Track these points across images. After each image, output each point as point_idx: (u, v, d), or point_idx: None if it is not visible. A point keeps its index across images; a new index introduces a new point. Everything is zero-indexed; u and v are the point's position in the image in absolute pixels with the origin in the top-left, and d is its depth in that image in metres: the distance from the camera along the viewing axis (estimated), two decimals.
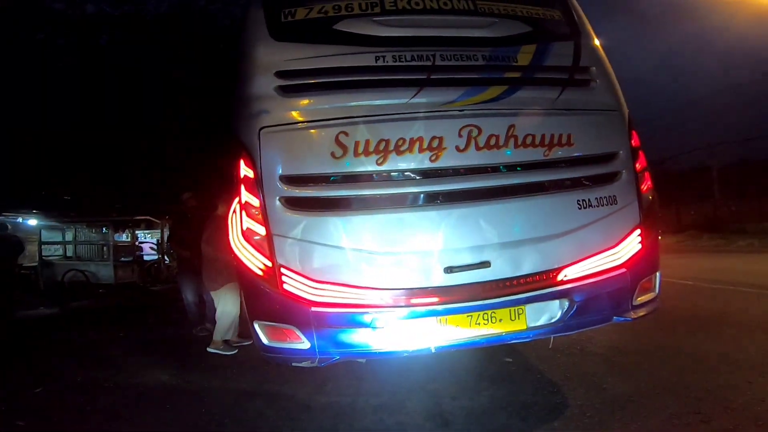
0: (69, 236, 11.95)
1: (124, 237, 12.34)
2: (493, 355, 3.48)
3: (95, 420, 2.93)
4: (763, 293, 5.42)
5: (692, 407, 2.46)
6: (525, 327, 2.25)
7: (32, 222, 12.01)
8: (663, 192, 2.67)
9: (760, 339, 3.55)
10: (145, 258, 12.21)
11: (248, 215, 2.22)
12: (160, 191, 9.17)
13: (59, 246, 12.06)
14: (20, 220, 12.09)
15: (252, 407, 2.93)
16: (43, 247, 11.69)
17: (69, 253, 11.86)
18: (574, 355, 3.46)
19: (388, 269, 2.20)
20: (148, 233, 13.61)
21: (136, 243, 12.52)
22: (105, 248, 11.41)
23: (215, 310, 4.19)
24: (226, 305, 4.06)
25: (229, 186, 2.41)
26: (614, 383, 2.89)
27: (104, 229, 11.69)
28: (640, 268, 2.37)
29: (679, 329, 3.96)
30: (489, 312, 2.21)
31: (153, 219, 11.93)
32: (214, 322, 4.21)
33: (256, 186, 2.21)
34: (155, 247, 12.59)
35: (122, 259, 11.38)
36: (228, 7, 7.10)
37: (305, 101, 2.33)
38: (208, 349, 4.11)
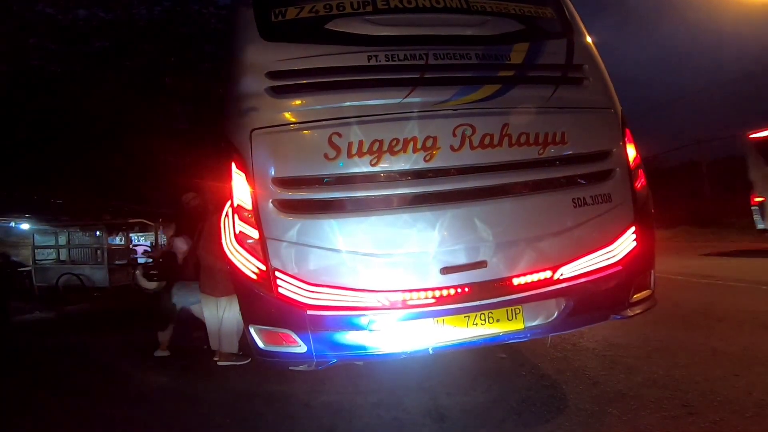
0: (62, 240, 11.85)
1: (118, 240, 12.26)
2: (488, 352, 3.52)
3: (96, 423, 2.94)
4: (751, 287, 5.49)
5: (680, 400, 2.49)
6: (522, 327, 2.24)
7: (25, 226, 11.91)
8: (654, 188, 2.69)
9: (747, 332, 3.61)
10: (140, 261, 12.14)
11: (241, 219, 2.20)
12: (153, 194, 9.10)
13: (53, 250, 11.96)
14: (12, 224, 11.98)
15: (251, 407, 2.96)
16: (36, 251, 11.60)
17: (63, 257, 11.76)
18: (568, 350, 3.50)
19: (384, 271, 2.18)
20: (142, 236, 13.53)
21: (130, 246, 12.43)
22: (99, 251, 11.32)
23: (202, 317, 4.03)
24: (226, 313, 3.89)
25: (222, 189, 2.38)
26: (606, 378, 2.93)
27: (98, 232, 11.60)
28: (635, 265, 2.37)
29: (669, 324, 3.99)
30: (486, 312, 2.20)
31: (146, 222, 11.85)
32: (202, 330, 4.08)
33: (249, 189, 2.19)
34: (149, 249, 12.51)
35: (117, 262, 11.30)
36: (221, 11, 7.04)
37: (297, 102, 2.30)
38: (219, 364, 3.92)
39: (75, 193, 9.12)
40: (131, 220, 12.01)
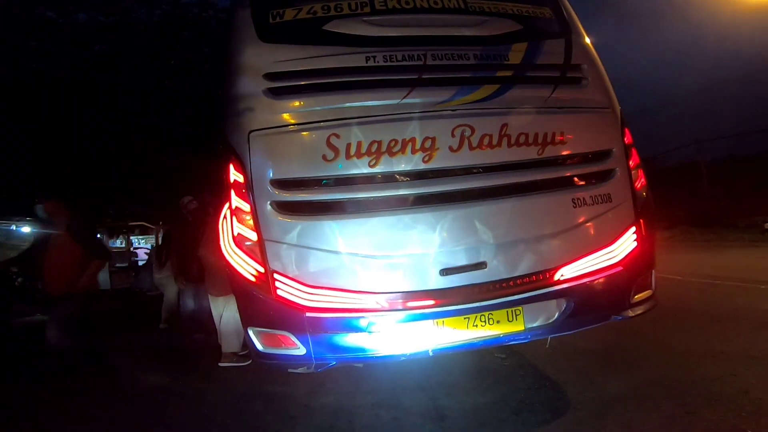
0: None
1: (119, 243, 12.28)
2: (487, 353, 3.52)
3: (98, 424, 2.94)
4: (749, 287, 5.48)
5: (678, 400, 2.49)
6: (523, 328, 2.23)
7: (25, 229, 11.90)
8: (654, 189, 2.69)
9: (745, 332, 3.60)
10: (140, 264, 12.15)
11: (239, 221, 2.19)
12: (154, 196, 9.12)
13: None
14: (13, 227, 11.98)
15: (252, 408, 2.97)
16: None
17: None
18: (566, 351, 3.49)
19: (383, 272, 2.17)
20: (143, 239, 13.55)
21: (131, 248, 12.45)
22: None
23: (212, 317, 4.08)
24: (227, 311, 3.92)
25: (220, 191, 2.38)
26: (605, 378, 2.93)
27: (99, 234, 11.62)
28: (636, 265, 2.36)
29: (668, 324, 3.98)
30: (486, 313, 2.19)
31: (147, 224, 11.88)
32: (208, 330, 4.12)
33: (247, 190, 2.18)
34: (150, 252, 12.53)
35: (117, 264, 11.32)
36: (219, 14, 7.05)
37: (295, 103, 2.30)
38: (220, 364, 3.92)
39: (78, 195, 9.12)
40: (132, 223, 12.04)
